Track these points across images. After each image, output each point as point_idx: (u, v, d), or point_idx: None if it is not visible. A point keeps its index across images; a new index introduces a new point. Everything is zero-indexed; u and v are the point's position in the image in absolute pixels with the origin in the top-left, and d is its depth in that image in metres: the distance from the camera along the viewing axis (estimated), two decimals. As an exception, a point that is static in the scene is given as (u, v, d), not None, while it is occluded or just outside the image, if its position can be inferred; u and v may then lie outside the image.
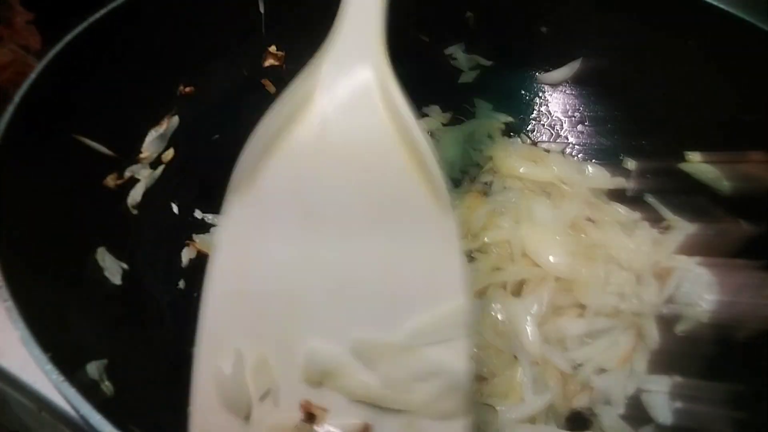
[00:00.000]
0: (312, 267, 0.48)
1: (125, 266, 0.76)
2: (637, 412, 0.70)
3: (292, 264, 0.48)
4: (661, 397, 0.70)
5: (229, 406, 0.49)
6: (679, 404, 0.70)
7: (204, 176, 0.90)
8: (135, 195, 0.84)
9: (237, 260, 0.50)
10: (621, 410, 0.70)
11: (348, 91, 0.50)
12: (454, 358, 0.45)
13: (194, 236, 0.86)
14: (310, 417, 0.47)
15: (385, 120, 0.49)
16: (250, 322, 0.49)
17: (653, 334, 0.75)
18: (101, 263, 0.75)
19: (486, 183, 0.94)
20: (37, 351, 0.52)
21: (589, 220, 0.86)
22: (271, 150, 0.51)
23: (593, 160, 0.98)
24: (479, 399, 0.63)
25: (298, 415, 0.47)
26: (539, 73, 1.03)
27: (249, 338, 0.49)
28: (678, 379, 0.71)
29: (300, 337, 0.47)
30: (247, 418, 0.49)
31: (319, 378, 0.47)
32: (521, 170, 0.93)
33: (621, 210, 0.89)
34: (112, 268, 0.75)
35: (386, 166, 0.48)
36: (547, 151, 1.00)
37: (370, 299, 0.47)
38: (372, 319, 0.46)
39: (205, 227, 0.89)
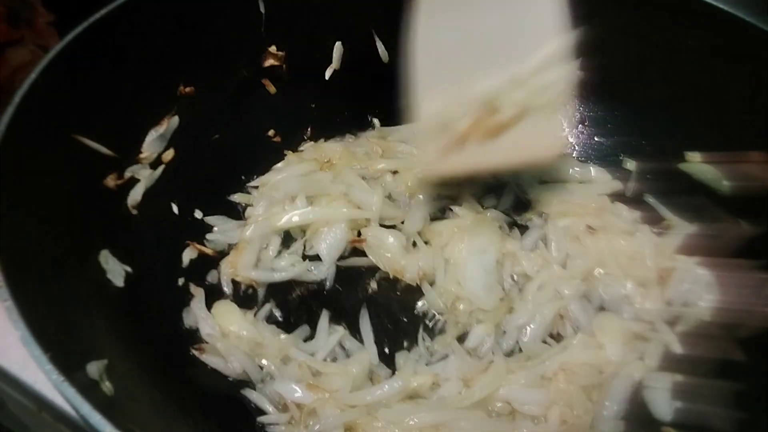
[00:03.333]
0: (471, 32, 0.77)
1: (129, 269, 0.76)
2: (636, 407, 0.71)
3: (459, 33, 0.78)
4: (662, 395, 0.70)
5: (442, 129, 0.78)
6: (679, 403, 0.70)
7: (204, 176, 0.90)
8: (135, 195, 0.84)
9: (429, 38, 0.78)
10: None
11: None
12: (563, 73, 0.75)
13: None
14: (491, 110, 0.76)
15: None
16: (444, 75, 0.77)
17: (668, 336, 0.75)
18: (104, 265, 0.75)
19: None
20: (37, 351, 0.52)
21: (590, 228, 0.86)
22: None
23: (593, 161, 0.98)
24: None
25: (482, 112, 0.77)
26: (539, 73, 1.03)
27: (446, 84, 0.77)
28: (678, 377, 0.71)
29: (475, 76, 0.76)
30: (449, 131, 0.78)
31: (491, 97, 0.76)
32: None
33: (623, 214, 0.89)
34: (115, 271, 0.75)
35: None
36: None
37: (509, 45, 0.76)
38: (509, 60, 0.76)
39: (205, 228, 0.89)
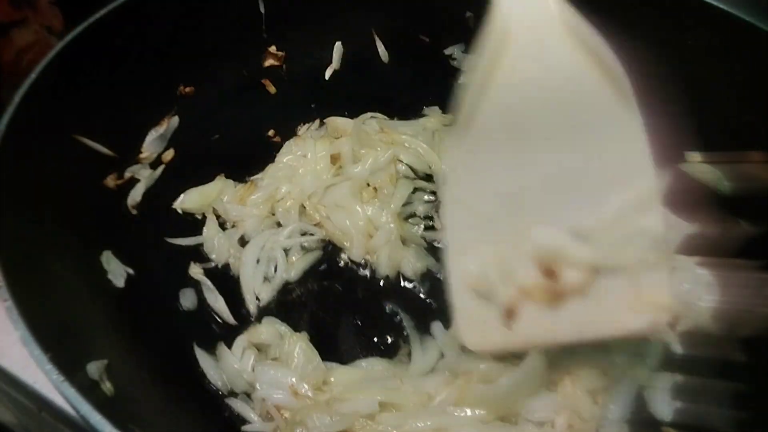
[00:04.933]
0: (526, 175, 0.60)
1: (131, 271, 0.76)
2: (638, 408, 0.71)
3: (510, 176, 0.61)
4: (662, 395, 0.70)
5: (481, 294, 0.64)
6: (679, 403, 0.70)
7: (204, 176, 0.90)
8: (135, 195, 0.84)
9: (467, 184, 0.63)
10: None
11: (535, 27, 0.59)
12: (653, 222, 0.59)
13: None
14: (549, 273, 0.60)
15: (570, 45, 0.59)
16: (485, 230, 0.63)
17: (668, 336, 0.75)
18: (106, 266, 0.75)
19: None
20: (37, 351, 0.52)
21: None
22: (482, 92, 0.59)
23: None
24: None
25: (536, 275, 0.61)
26: (539, 73, 1.03)
27: (487, 242, 0.63)
28: (678, 378, 0.71)
29: (526, 230, 0.61)
30: (494, 299, 0.63)
31: (547, 257, 0.60)
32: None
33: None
34: (116, 271, 0.75)
35: (578, 82, 0.59)
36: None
37: (578, 189, 0.60)
38: (582, 205, 0.59)
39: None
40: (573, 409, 0.69)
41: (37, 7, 0.92)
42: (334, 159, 0.92)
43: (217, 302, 0.80)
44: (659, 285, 0.61)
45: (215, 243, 0.85)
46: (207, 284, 0.81)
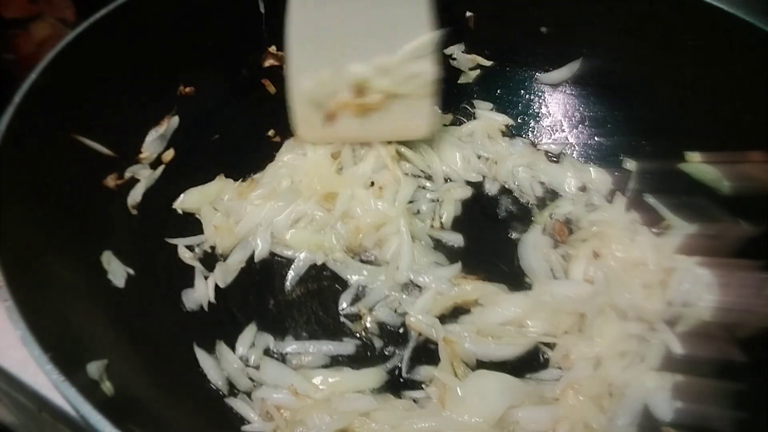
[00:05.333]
0: (348, 19, 0.84)
1: (131, 271, 0.76)
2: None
3: (339, 19, 0.85)
4: (662, 395, 0.70)
5: (314, 105, 0.87)
6: (679, 403, 0.70)
7: (204, 176, 0.90)
8: (135, 195, 0.84)
9: (311, 18, 0.85)
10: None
11: None
12: (428, 66, 0.84)
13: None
14: (359, 93, 0.86)
15: None
16: (318, 53, 0.85)
17: (668, 336, 0.75)
18: (106, 266, 0.75)
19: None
20: (37, 351, 0.52)
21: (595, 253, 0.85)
22: None
23: (593, 161, 0.98)
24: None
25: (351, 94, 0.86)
26: (539, 73, 1.03)
27: (320, 63, 0.84)
28: (678, 377, 0.71)
29: (346, 61, 0.84)
30: (321, 107, 0.87)
31: (359, 83, 0.85)
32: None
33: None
34: (117, 272, 0.75)
35: None
36: (548, 152, 1.00)
37: (380, 35, 0.84)
38: (383, 48, 0.83)
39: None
40: (579, 419, 0.69)
41: (51, 0, 0.95)
42: (334, 156, 0.92)
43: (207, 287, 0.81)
44: (425, 108, 0.88)
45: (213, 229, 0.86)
46: (199, 267, 0.82)
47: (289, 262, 0.84)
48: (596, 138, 1.00)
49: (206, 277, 0.81)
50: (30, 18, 0.94)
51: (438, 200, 0.93)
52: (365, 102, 0.86)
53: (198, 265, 0.82)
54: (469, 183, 0.96)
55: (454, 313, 0.80)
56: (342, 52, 0.84)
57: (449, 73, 1.05)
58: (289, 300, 0.82)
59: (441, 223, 0.90)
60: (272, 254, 0.85)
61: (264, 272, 0.84)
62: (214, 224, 0.86)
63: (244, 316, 0.79)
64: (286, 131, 0.98)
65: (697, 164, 0.87)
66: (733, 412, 0.65)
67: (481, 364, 0.75)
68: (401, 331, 0.79)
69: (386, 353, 0.77)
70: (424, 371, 0.74)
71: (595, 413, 0.69)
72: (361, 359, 0.76)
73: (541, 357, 0.76)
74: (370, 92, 0.85)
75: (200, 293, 0.80)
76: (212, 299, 0.80)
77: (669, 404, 0.70)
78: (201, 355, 0.74)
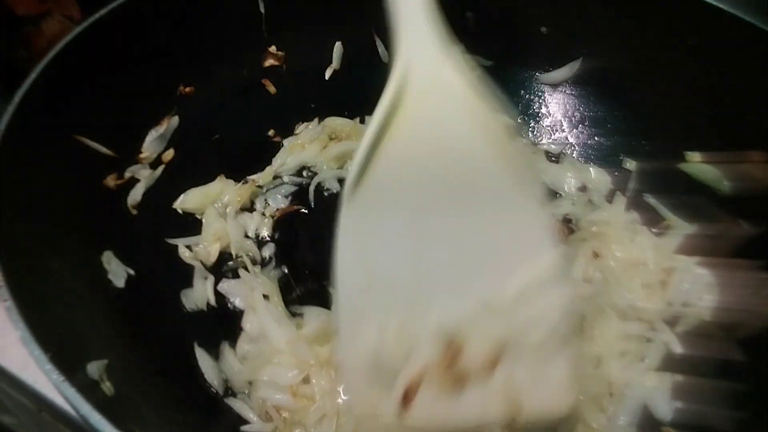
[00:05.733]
0: (424, 243, 0.58)
1: (131, 272, 0.76)
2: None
3: (408, 244, 0.58)
4: (662, 395, 0.70)
5: (378, 374, 0.57)
6: (679, 403, 0.70)
7: (204, 177, 0.90)
8: (135, 195, 0.84)
9: (360, 250, 0.59)
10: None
11: (433, 94, 0.58)
12: (556, 302, 0.56)
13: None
14: (453, 350, 0.55)
15: (467, 115, 0.58)
16: (382, 298, 0.58)
17: (668, 336, 0.75)
18: (106, 266, 0.75)
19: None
20: (37, 351, 0.52)
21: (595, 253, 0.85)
22: (374, 154, 0.58)
23: (593, 161, 0.98)
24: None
25: (439, 351, 0.56)
26: (539, 73, 1.03)
27: (385, 311, 0.57)
28: (678, 377, 0.71)
29: (427, 303, 0.57)
30: (391, 378, 0.57)
31: (451, 332, 0.56)
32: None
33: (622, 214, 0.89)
34: (117, 272, 0.75)
35: (472, 155, 0.57)
36: (548, 152, 1.00)
37: (476, 263, 0.57)
38: (482, 281, 0.57)
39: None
40: (578, 418, 0.68)
41: None
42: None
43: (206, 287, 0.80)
44: (563, 369, 0.57)
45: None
46: (199, 267, 0.81)
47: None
48: (596, 138, 1.00)
49: (206, 278, 0.81)
50: (41, 15, 0.96)
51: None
52: (466, 363, 0.56)
53: (198, 265, 0.82)
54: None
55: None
56: (420, 289, 0.57)
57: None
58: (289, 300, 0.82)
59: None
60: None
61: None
62: (212, 233, 0.85)
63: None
64: (286, 131, 0.98)
65: (697, 164, 0.87)
66: (733, 412, 0.65)
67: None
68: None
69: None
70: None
71: (595, 413, 0.69)
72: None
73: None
74: (469, 348, 0.56)
75: (200, 293, 0.80)
76: (212, 300, 0.80)
77: (669, 404, 0.70)
78: (201, 355, 0.74)
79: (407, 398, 0.56)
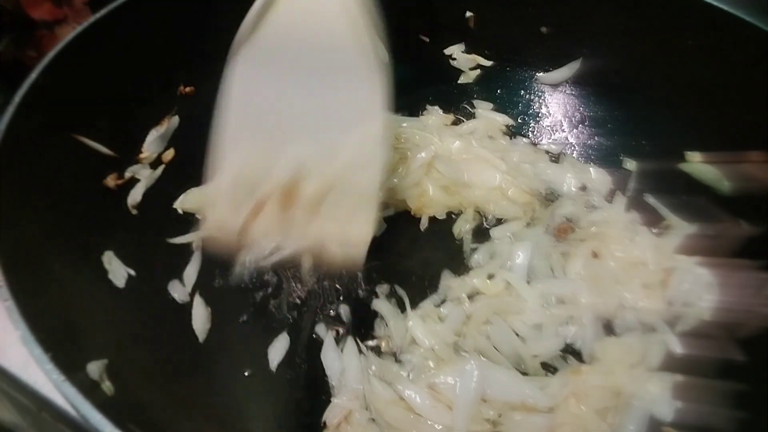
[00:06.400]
0: (290, 96, 0.72)
1: (132, 272, 0.76)
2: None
3: (277, 94, 0.73)
4: (662, 395, 0.70)
5: (236, 193, 0.73)
6: (679, 403, 0.70)
7: (204, 176, 0.90)
8: (135, 195, 0.84)
9: (243, 92, 0.73)
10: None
11: None
12: (379, 155, 0.72)
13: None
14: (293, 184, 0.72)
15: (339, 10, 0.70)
16: (252, 131, 0.73)
17: (668, 336, 0.75)
18: (107, 266, 0.75)
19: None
20: (38, 351, 0.52)
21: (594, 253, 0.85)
22: (258, 23, 0.72)
23: (593, 161, 0.98)
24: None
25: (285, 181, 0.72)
26: (539, 73, 1.03)
27: (252, 142, 0.73)
28: (678, 378, 0.71)
29: (284, 141, 0.73)
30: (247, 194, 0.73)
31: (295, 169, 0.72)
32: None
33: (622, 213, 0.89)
34: (117, 272, 0.75)
35: (333, 32, 0.70)
36: (548, 152, 1.00)
37: (325, 117, 0.72)
38: (327, 132, 0.72)
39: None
40: (579, 428, 0.68)
41: (73, 6, 1.03)
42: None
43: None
44: (365, 223, 0.73)
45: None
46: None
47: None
48: (596, 138, 1.00)
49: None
50: (56, 21, 1.01)
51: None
52: (305, 191, 0.72)
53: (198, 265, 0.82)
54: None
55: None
56: (282, 129, 0.73)
57: (449, 73, 1.05)
58: (290, 301, 0.82)
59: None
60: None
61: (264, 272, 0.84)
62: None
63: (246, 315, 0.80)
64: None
65: (697, 164, 0.87)
66: (733, 412, 0.65)
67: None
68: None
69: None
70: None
71: (597, 424, 0.69)
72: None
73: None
74: (309, 179, 0.72)
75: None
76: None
77: (669, 404, 0.70)
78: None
79: (253, 214, 0.73)
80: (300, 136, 0.72)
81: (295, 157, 0.72)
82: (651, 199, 0.89)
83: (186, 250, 0.84)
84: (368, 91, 0.71)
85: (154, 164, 0.87)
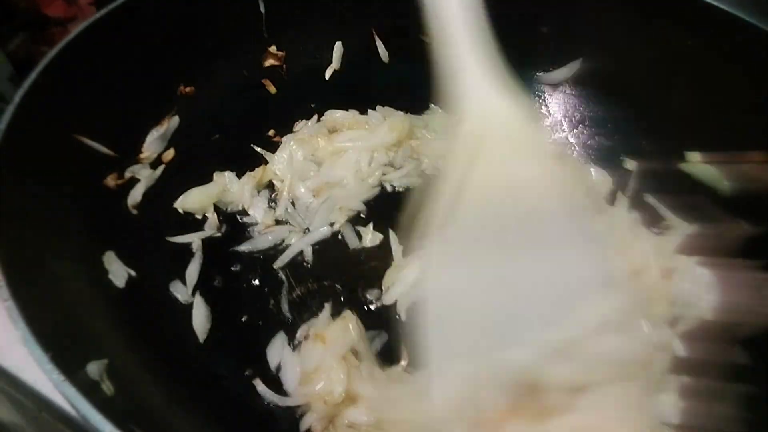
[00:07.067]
0: (500, 285, 0.59)
1: (132, 272, 0.76)
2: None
3: (487, 279, 0.59)
4: (665, 395, 0.70)
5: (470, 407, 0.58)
6: (680, 403, 0.70)
7: (204, 176, 0.90)
8: (135, 195, 0.84)
9: (446, 285, 0.60)
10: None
11: (505, 142, 0.63)
12: (627, 344, 0.57)
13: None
14: (532, 391, 0.56)
15: (534, 161, 0.63)
16: (467, 331, 0.59)
17: (669, 336, 0.75)
18: (107, 266, 0.75)
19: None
20: (38, 351, 0.52)
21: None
22: (457, 198, 0.61)
23: (593, 161, 0.98)
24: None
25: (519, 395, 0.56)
26: (539, 73, 1.03)
27: (471, 345, 0.58)
28: (680, 378, 0.71)
29: (501, 348, 0.57)
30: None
31: (528, 377, 0.56)
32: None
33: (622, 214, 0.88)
34: (118, 272, 0.75)
35: (539, 197, 0.60)
36: (547, 151, 1.00)
37: (547, 304, 0.58)
38: (552, 321, 0.57)
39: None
40: None
41: (78, 4, 1.06)
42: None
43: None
44: (639, 400, 0.60)
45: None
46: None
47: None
48: (596, 138, 1.00)
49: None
50: (70, 18, 1.05)
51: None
52: (546, 402, 0.57)
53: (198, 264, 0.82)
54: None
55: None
56: (497, 333, 0.58)
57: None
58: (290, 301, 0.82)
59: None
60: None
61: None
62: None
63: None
64: (286, 131, 0.98)
65: (697, 164, 0.87)
66: (733, 412, 0.65)
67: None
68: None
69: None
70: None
71: None
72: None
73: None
74: (543, 389, 0.57)
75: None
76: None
77: (674, 405, 0.70)
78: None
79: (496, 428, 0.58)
80: (521, 334, 0.57)
81: (520, 364, 0.56)
82: (651, 199, 0.89)
83: (186, 250, 0.84)
84: (592, 258, 0.59)
85: (154, 164, 0.87)
